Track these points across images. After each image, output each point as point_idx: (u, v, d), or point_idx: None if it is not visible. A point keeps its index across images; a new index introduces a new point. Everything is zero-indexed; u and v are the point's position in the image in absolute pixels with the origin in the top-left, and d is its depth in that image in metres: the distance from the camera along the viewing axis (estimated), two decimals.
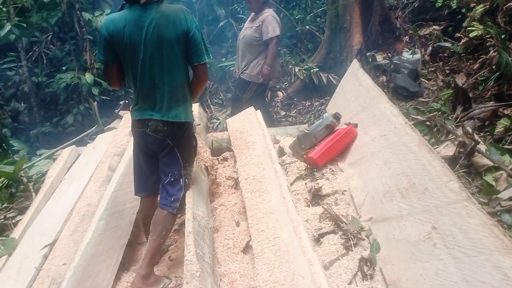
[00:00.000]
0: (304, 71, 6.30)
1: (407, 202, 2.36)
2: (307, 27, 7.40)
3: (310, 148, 3.68)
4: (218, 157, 4.33)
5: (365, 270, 2.32)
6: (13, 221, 3.80)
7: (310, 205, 3.15)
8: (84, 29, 5.68)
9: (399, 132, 2.81)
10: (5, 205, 4.08)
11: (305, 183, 3.45)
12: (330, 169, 3.51)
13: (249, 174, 3.42)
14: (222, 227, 3.08)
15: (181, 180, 2.65)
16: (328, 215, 2.83)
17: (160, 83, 2.42)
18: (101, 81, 5.65)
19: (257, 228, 2.71)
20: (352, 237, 2.54)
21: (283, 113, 6.25)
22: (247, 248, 2.80)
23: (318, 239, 2.69)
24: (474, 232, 1.77)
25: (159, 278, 2.71)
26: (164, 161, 2.64)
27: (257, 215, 2.84)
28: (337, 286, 2.27)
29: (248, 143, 3.98)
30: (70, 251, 2.68)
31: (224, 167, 4.19)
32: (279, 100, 6.58)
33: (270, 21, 4.88)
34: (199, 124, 3.98)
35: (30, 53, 7.44)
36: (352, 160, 3.42)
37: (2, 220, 3.86)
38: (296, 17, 7.89)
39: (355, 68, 4.54)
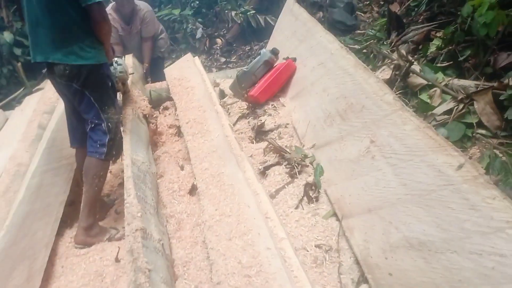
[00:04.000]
0: (240, 15, 6.11)
1: (346, 123, 2.36)
2: None
3: (250, 87, 3.60)
4: (159, 108, 4.18)
5: (311, 194, 2.33)
6: None
7: (254, 141, 3.11)
8: None
9: (336, 58, 2.78)
10: None
11: (248, 122, 3.39)
12: (272, 105, 3.46)
13: (190, 118, 3.31)
14: (166, 173, 2.99)
15: (102, 124, 2.46)
16: (272, 148, 2.80)
17: (43, 23, 2.24)
18: (23, 40, 5.19)
19: (200, 168, 2.64)
20: (296, 165, 2.53)
21: (223, 59, 6.09)
22: (192, 190, 2.73)
23: (263, 172, 2.67)
24: (409, 137, 1.79)
25: (104, 229, 2.61)
26: (81, 109, 2.47)
27: (200, 155, 2.77)
28: (284, 211, 2.27)
29: (187, 89, 3.84)
30: (2, 212, 2.50)
31: (165, 116, 4.05)
32: (218, 48, 6.39)
33: None
34: (133, 73, 3.77)
35: None
36: (293, 94, 3.39)
37: None
38: None
39: (290, 4, 4.43)
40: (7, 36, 4.99)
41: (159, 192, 2.72)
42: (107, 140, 2.49)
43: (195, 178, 2.64)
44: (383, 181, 1.85)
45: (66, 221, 2.85)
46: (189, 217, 2.45)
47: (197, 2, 7.39)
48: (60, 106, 3.38)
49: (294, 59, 3.54)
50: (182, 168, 3.00)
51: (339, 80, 2.62)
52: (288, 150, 2.72)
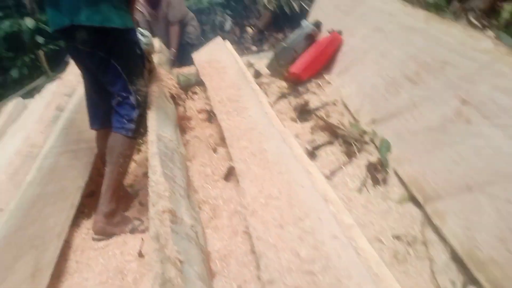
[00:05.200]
0: (273, 1, 5.70)
1: (420, 87, 1.90)
2: None
3: (290, 64, 3.18)
4: (187, 93, 3.81)
5: (376, 175, 1.88)
6: None
7: (298, 121, 2.68)
8: None
9: (397, 18, 2.35)
10: None
11: (289, 101, 2.97)
12: (316, 83, 3.03)
13: (222, 96, 2.91)
14: (196, 156, 2.59)
15: (130, 97, 2.13)
16: (321, 125, 2.37)
17: None
18: (46, 27, 4.93)
19: (238, 146, 2.23)
20: (354, 142, 2.08)
21: (254, 48, 5.68)
22: (229, 174, 2.33)
23: (312, 152, 2.23)
24: None
25: (127, 218, 2.23)
26: (106, 81, 2.15)
27: (236, 134, 2.36)
28: (345, 195, 1.83)
29: (218, 69, 3.45)
30: (9, 196, 2.14)
31: (194, 100, 3.66)
32: (249, 37, 6.00)
33: None
34: (160, 52, 3.41)
35: None
36: (340, 68, 2.95)
37: None
38: None
39: None
40: (29, 22, 4.73)
41: (189, 176, 2.31)
42: (135, 114, 2.14)
43: (231, 160, 2.23)
44: (489, 149, 1.39)
45: (83, 212, 2.48)
46: (226, 204, 2.03)
47: None
48: (81, 88, 3.05)
49: (340, 32, 3.10)
50: (215, 150, 2.59)
51: (404, 41, 2.18)
52: (341, 126, 2.28)
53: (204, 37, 6.35)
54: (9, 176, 2.30)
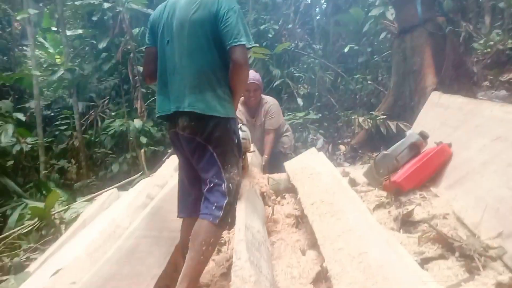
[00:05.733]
0: (369, 120, 5.69)
1: None
2: (369, 82, 6.94)
3: (390, 174, 2.94)
4: (276, 199, 3.67)
5: None
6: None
7: (401, 231, 2.36)
8: (137, 78, 5.53)
9: None
10: (32, 246, 3.59)
11: (388, 211, 2.67)
12: (421, 195, 2.73)
13: (315, 199, 2.71)
14: (283, 257, 2.33)
15: (223, 185, 2.06)
16: (430, 237, 2.04)
17: (179, 68, 2.09)
18: (149, 128, 5.33)
19: (332, 248, 1.96)
20: (478, 256, 1.72)
21: (347, 165, 5.54)
22: (318, 280, 2.02)
23: (421, 265, 1.87)
24: None
25: None
26: (200, 167, 2.13)
27: (331, 235, 2.11)
28: None
29: (311, 175, 3.31)
30: (85, 273, 2.03)
31: (283, 205, 3.49)
32: (341, 154, 5.92)
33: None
34: (254, 151, 3.40)
35: (86, 116, 7.40)
36: (450, 182, 2.65)
37: (24, 260, 3.34)
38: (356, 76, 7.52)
39: (435, 97, 3.93)
40: (137, 123, 5.14)
41: (274, 275, 2.05)
42: (225, 202, 2.05)
43: (322, 263, 1.95)
44: None
45: None
46: None
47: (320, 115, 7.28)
48: (173, 181, 3.08)
49: (449, 145, 2.87)
50: (303, 253, 2.33)
51: None
52: (457, 239, 1.93)
53: (296, 153, 6.42)
54: (88, 253, 2.22)
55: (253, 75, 4.44)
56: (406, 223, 2.42)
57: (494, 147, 2.32)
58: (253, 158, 3.47)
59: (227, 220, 2.07)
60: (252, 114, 4.78)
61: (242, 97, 4.82)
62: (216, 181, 2.06)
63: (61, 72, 5.11)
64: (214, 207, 2.03)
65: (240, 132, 2.66)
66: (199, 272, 2.04)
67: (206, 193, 2.09)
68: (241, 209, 2.18)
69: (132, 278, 2.07)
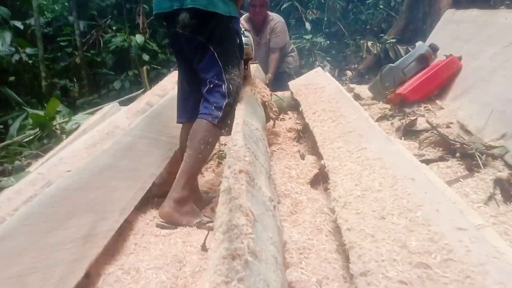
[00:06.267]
0: (378, 45, 5.50)
1: None
2: (381, 6, 6.63)
3: (396, 87, 2.87)
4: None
5: (510, 190, 1.47)
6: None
7: (402, 138, 2.33)
8: None
9: None
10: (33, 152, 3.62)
11: (391, 123, 2.63)
12: (425, 107, 2.68)
13: (318, 109, 2.68)
14: (282, 160, 2.33)
15: (223, 86, 2.00)
16: (431, 141, 2.01)
17: None
18: (152, 44, 5.20)
19: (331, 147, 1.95)
20: (479, 154, 1.69)
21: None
22: (316, 181, 2.03)
23: None
24: None
25: (196, 211, 2.01)
26: (201, 67, 2.05)
27: (330, 137, 2.09)
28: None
29: (315, 89, 3.24)
30: (81, 161, 2.02)
31: (284, 120, 3.47)
32: (347, 79, 5.79)
33: None
34: (257, 62, 3.31)
35: (88, 36, 7.22)
36: (457, 93, 2.58)
37: (25, 165, 3.39)
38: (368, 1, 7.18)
39: (450, 14, 3.73)
40: (139, 37, 5.00)
41: (272, 174, 2.05)
42: (224, 103, 1.99)
43: (321, 163, 1.94)
44: None
45: (152, 202, 2.31)
46: (310, 202, 1.73)
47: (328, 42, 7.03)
48: (174, 91, 3.02)
49: (460, 58, 2.76)
50: (302, 157, 2.32)
51: None
52: (460, 141, 1.90)
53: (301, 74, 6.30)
54: (86, 146, 2.22)
55: None
56: (408, 133, 2.38)
57: (506, 53, 2.22)
58: (256, 73, 3.38)
59: (226, 122, 2.03)
60: (257, 31, 4.62)
61: (247, 14, 4.65)
62: (216, 81, 2.00)
63: None
64: (213, 107, 1.98)
65: (242, 37, 2.56)
66: (197, 170, 2.04)
67: (205, 94, 2.04)
68: (241, 109, 2.13)
69: (129, 172, 2.06)
